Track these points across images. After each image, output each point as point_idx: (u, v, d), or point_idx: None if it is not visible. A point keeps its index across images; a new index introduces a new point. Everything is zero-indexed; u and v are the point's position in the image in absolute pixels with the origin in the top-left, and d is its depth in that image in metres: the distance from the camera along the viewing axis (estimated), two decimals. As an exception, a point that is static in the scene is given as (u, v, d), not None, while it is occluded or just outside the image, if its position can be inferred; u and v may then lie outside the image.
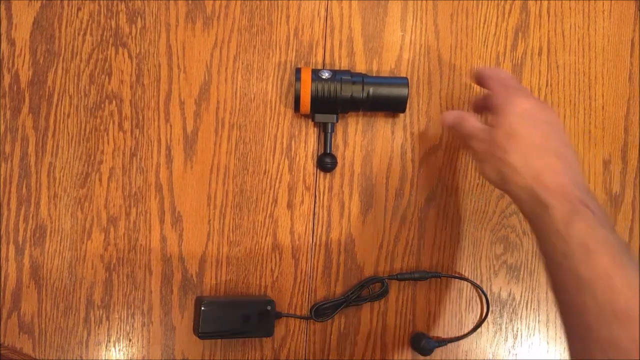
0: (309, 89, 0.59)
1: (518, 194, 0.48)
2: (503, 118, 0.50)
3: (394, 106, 0.62)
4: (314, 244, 0.64)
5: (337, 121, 0.62)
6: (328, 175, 0.64)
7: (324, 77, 0.59)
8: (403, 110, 0.62)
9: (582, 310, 0.39)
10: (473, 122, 0.54)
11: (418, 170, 0.66)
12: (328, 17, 0.65)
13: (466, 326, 0.66)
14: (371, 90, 0.60)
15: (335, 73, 0.60)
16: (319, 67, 0.64)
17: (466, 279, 0.65)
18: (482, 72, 0.56)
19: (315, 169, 0.64)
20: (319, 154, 0.64)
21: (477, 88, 0.67)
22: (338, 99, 0.60)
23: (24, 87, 0.61)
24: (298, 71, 0.60)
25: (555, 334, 0.67)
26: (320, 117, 0.61)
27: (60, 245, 0.61)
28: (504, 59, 0.67)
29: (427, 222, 0.66)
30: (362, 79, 0.61)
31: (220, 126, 0.63)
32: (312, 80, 0.59)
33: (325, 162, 0.63)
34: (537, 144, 0.48)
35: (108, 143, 0.62)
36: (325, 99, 0.60)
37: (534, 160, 0.47)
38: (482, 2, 0.67)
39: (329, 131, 0.62)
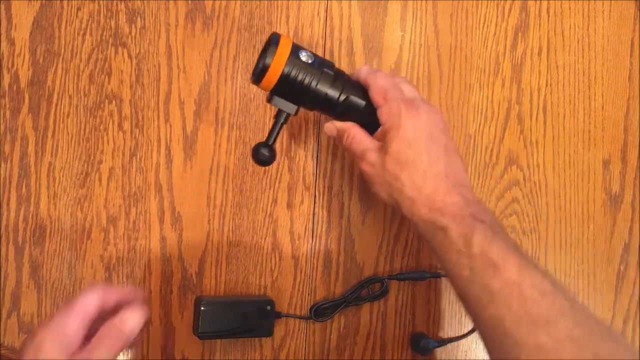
0: (281, 65, 0.48)
1: (415, 221, 0.48)
2: (390, 144, 0.48)
3: (366, 124, 0.52)
4: (313, 244, 0.64)
5: (295, 114, 0.51)
6: (328, 175, 0.64)
7: (303, 58, 0.49)
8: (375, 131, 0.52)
9: (500, 320, 0.40)
10: (360, 140, 0.51)
11: (418, 170, 0.66)
12: (328, 17, 0.65)
13: (466, 326, 0.66)
14: (350, 97, 0.51)
15: (317, 60, 0.50)
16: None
17: (466, 279, 0.65)
18: (359, 74, 0.53)
19: (315, 168, 0.64)
20: (256, 143, 0.51)
21: (477, 89, 0.67)
22: (310, 92, 0.50)
23: (24, 87, 0.61)
24: (276, 38, 0.49)
25: (555, 334, 0.67)
26: (278, 102, 0.51)
27: (59, 245, 0.61)
28: (504, 58, 0.67)
29: (426, 222, 0.66)
30: (344, 80, 0.52)
31: (220, 126, 0.63)
32: (289, 56, 0.49)
33: (261, 153, 0.50)
34: (426, 170, 0.48)
35: (108, 143, 0.62)
36: (295, 85, 0.49)
37: (426, 186, 0.47)
38: (481, 2, 0.67)
39: (281, 121, 0.51)
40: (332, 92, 0.51)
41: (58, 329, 0.41)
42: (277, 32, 0.51)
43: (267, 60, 0.48)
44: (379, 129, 0.50)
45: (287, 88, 0.49)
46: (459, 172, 0.49)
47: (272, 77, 0.48)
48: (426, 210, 0.47)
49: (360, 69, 0.53)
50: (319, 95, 0.50)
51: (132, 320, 0.43)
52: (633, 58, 0.69)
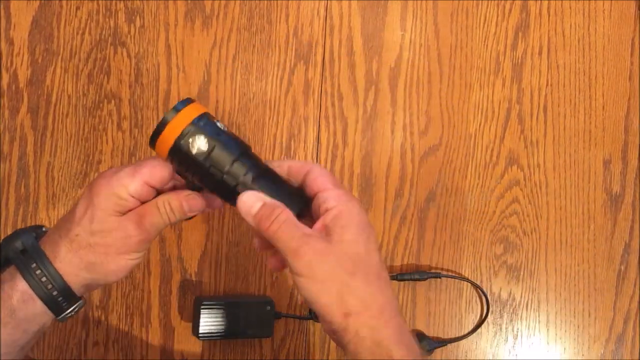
0: (175, 134, 0.40)
1: (360, 337, 0.39)
2: (344, 232, 0.39)
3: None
4: (313, 244, 0.64)
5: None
6: (328, 175, 0.64)
7: (202, 135, 0.40)
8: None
9: None
10: (295, 224, 0.40)
11: (418, 170, 0.65)
12: (328, 17, 0.65)
13: (466, 326, 0.66)
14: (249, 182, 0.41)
15: (223, 140, 0.41)
16: (319, 66, 0.64)
17: (466, 279, 0.65)
18: (281, 163, 0.44)
19: (314, 168, 0.64)
20: None
21: (477, 89, 0.67)
22: (203, 172, 0.41)
23: (23, 87, 0.60)
24: (184, 103, 0.41)
25: (555, 334, 0.67)
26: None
27: (58, 245, 0.60)
28: (504, 58, 0.67)
29: (426, 222, 0.65)
30: (250, 167, 0.41)
31: (220, 126, 0.63)
32: (190, 125, 0.40)
33: None
34: (379, 273, 0.40)
35: (107, 143, 0.61)
36: (186, 161, 0.40)
37: (382, 294, 0.40)
38: (482, 2, 0.67)
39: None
40: (230, 179, 0.41)
41: (115, 187, 0.41)
42: (192, 98, 0.43)
43: (162, 124, 0.40)
44: (321, 217, 0.40)
45: (179, 163, 0.41)
46: (390, 300, 0.41)
47: (163, 146, 0.40)
48: (375, 323, 0.38)
49: (281, 161, 0.45)
50: (215, 178, 0.41)
51: (189, 201, 0.42)
52: (633, 58, 0.69)
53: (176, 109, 0.40)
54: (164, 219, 0.42)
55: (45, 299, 0.40)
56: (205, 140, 0.40)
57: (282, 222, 0.39)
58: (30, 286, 0.40)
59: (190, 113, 0.40)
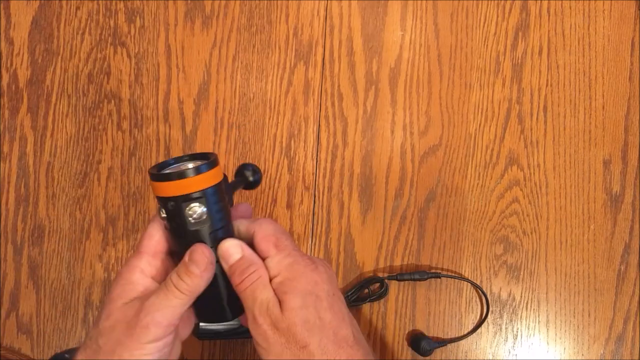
0: (183, 191, 0.39)
1: None
2: (290, 299, 0.38)
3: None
4: (313, 244, 0.64)
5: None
6: (327, 175, 0.64)
7: (204, 207, 0.39)
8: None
9: None
10: (266, 284, 0.39)
11: (418, 170, 0.65)
12: (327, 16, 0.65)
13: (466, 326, 0.66)
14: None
15: (214, 213, 0.40)
16: (319, 66, 0.64)
17: (466, 279, 0.65)
18: (239, 223, 0.43)
19: (315, 168, 0.64)
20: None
21: (477, 89, 0.67)
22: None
23: (23, 87, 0.60)
24: (209, 165, 0.39)
25: (555, 334, 0.67)
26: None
27: (58, 245, 0.61)
28: (504, 58, 0.67)
29: (426, 222, 0.65)
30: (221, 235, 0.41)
31: (220, 126, 0.63)
32: (200, 193, 0.39)
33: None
34: (336, 333, 0.39)
35: (107, 143, 0.61)
36: (173, 213, 0.40)
37: (339, 353, 0.39)
38: (482, 2, 0.67)
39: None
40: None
41: (124, 273, 0.39)
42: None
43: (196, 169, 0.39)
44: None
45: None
46: (360, 333, 0.42)
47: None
48: None
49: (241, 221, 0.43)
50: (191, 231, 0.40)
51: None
52: (634, 58, 0.69)
53: (198, 170, 0.39)
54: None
55: None
56: (204, 211, 0.39)
57: (252, 281, 0.39)
58: None
59: (207, 179, 0.39)
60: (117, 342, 0.37)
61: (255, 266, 0.39)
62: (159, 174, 0.39)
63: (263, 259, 0.40)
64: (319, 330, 0.38)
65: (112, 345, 0.37)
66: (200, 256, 0.39)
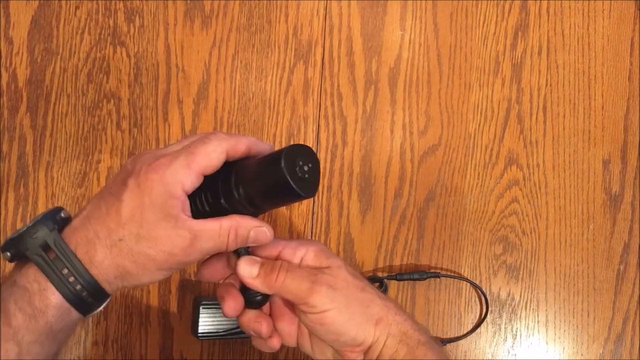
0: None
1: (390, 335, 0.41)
2: (341, 291, 0.41)
3: (282, 196, 0.39)
4: (312, 243, 0.64)
5: None
6: (327, 174, 0.64)
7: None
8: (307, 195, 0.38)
9: None
10: (300, 275, 0.40)
11: (417, 169, 0.65)
12: (327, 16, 0.65)
13: (465, 326, 0.66)
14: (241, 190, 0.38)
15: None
16: (318, 66, 0.64)
17: (465, 279, 0.65)
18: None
19: (314, 168, 0.64)
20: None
21: (476, 88, 0.67)
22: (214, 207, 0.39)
23: (22, 86, 0.60)
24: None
25: (555, 334, 0.67)
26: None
27: (58, 244, 0.60)
28: (504, 58, 0.67)
29: (426, 222, 0.65)
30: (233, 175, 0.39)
31: (219, 125, 0.63)
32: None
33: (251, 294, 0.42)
34: (385, 304, 0.42)
35: (106, 142, 0.61)
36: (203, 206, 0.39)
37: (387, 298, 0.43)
38: (481, 2, 0.67)
39: None
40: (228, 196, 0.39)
41: (170, 185, 0.35)
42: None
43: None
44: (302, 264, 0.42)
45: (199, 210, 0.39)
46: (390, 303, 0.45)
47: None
48: (398, 318, 0.41)
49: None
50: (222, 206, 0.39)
51: (258, 234, 0.39)
52: (633, 58, 0.69)
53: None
54: (218, 247, 0.37)
55: (83, 311, 0.37)
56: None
57: (286, 269, 0.39)
58: (67, 299, 0.36)
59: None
60: (154, 261, 0.36)
61: (278, 261, 0.41)
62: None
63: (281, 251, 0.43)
64: (360, 279, 0.42)
65: (146, 259, 0.36)
66: None
